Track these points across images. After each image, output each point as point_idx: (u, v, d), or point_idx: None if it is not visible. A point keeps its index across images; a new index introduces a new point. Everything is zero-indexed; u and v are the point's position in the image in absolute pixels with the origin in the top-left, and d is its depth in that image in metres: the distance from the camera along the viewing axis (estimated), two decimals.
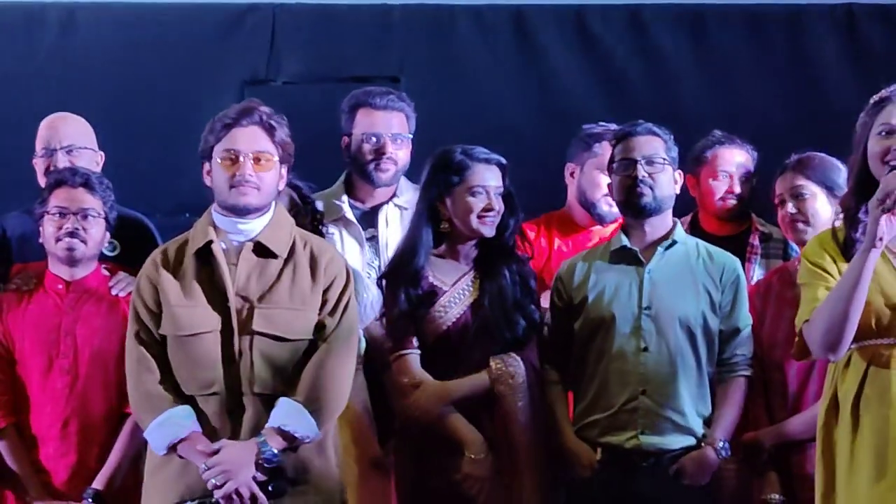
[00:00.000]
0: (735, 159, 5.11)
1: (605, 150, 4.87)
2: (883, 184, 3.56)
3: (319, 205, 4.85)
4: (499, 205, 4.45)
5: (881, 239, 3.53)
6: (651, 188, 4.44)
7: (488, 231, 4.45)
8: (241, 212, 4.05)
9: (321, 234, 4.48)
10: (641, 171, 4.44)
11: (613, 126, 4.91)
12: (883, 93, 3.77)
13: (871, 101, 3.78)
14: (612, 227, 4.98)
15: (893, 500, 3.56)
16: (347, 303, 4.08)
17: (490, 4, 6.32)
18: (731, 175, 5.09)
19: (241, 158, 4.03)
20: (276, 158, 4.08)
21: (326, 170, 5.14)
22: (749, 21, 6.32)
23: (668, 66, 6.30)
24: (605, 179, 4.83)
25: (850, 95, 5.56)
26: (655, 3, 6.30)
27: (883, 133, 3.69)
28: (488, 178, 4.45)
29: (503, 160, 4.51)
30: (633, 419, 4.36)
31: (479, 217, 4.43)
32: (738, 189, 5.09)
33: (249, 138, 4.05)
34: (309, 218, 4.49)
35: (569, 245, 5.07)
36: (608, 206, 4.94)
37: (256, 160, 4.04)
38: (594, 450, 4.39)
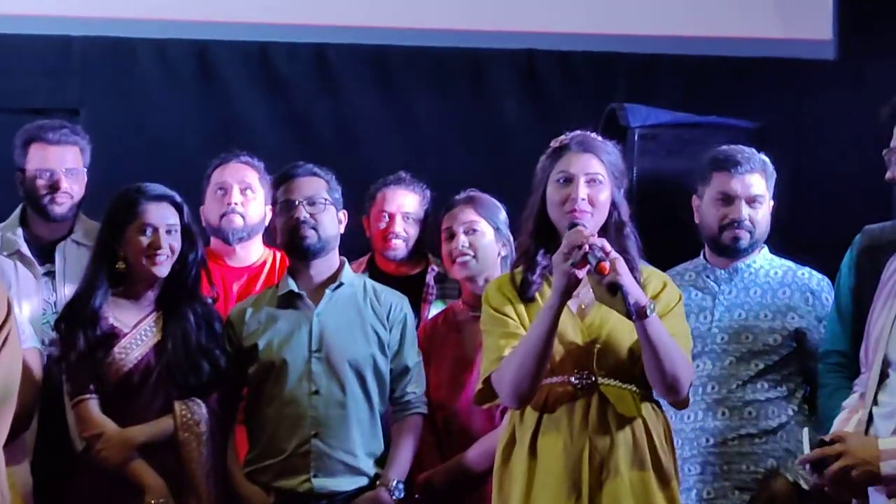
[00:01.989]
0: (398, 200, 5.07)
1: (214, 176, 5.00)
2: (566, 239, 3.61)
3: None
4: (172, 243, 4.36)
5: (566, 292, 3.59)
6: (314, 229, 4.46)
7: (159, 270, 4.36)
8: None
9: None
10: (303, 213, 4.46)
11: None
12: (562, 139, 3.84)
13: (551, 145, 3.85)
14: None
15: None
16: (7, 337, 3.96)
17: (173, 39, 6.22)
18: (391, 215, 5.05)
19: None
20: None
21: (1, 202, 5.05)
22: (433, 63, 6.37)
23: (352, 106, 6.30)
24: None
25: (529, 138, 5.67)
26: (340, 43, 6.30)
27: (561, 181, 3.76)
28: (160, 217, 4.37)
29: (177, 197, 4.44)
30: (306, 463, 4.37)
31: (148, 256, 4.34)
32: (398, 229, 5.04)
33: None
34: None
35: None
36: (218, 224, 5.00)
37: None
38: (268, 493, 4.38)
